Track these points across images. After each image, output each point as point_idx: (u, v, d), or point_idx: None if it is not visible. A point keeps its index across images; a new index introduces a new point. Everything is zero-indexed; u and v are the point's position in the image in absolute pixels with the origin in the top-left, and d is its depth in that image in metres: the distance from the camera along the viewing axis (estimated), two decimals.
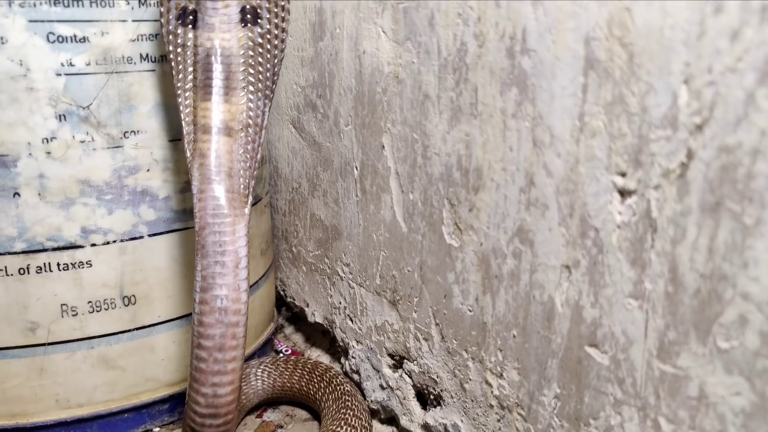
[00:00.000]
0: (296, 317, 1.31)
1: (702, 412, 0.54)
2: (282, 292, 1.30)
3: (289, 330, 1.32)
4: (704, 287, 0.52)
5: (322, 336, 1.22)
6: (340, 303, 1.07)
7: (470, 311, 0.78)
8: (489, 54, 0.70)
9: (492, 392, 0.77)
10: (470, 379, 0.80)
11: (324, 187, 1.08)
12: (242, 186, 0.85)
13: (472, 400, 0.80)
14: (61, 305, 0.91)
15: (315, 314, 1.17)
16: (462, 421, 0.82)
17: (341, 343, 1.09)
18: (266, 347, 1.19)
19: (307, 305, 1.20)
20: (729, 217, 0.50)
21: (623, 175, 0.58)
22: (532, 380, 0.71)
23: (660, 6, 0.52)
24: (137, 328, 0.96)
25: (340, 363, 1.12)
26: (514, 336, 0.72)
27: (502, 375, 0.75)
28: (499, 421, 0.76)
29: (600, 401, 0.63)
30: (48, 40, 0.84)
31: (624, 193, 0.58)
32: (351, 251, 1.02)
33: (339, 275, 1.07)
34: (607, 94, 0.58)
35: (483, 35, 0.70)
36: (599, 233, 0.60)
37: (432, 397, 0.88)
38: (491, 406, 0.77)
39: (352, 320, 1.05)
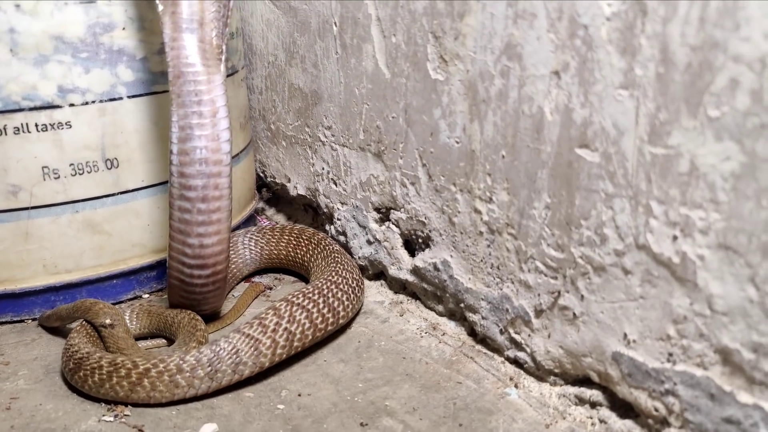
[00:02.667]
0: (277, 198, 1.31)
1: (692, 185, 0.56)
2: (262, 174, 1.30)
3: (270, 212, 1.32)
4: (695, 59, 0.53)
5: (304, 212, 1.23)
6: (323, 169, 1.08)
7: (458, 143, 0.79)
8: None
9: (481, 219, 0.78)
10: (459, 212, 0.81)
11: (302, 53, 1.07)
12: (215, 37, 0.84)
13: (462, 233, 0.82)
14: (43, 168, 0.90)
15: (297, 187, 1.17)
16: (451, 256, 0.84)
17: (325, 209, 1.10)
18: (249, 223, 1.19)
19: (289, 180, 1.20)
20: None
21: None
22: (521, 197, 0.72)
23: None
24: (121, 192, 0.95)
25: (325, 232, 1.13)
26: (503, 156, 0.73)
27: (491, 199, 0.76)
28: (489, 246, 0.78)
29: (591, 200, 0.64)
30: None
31: None
32: (332, 113, 1.02)
33: (321, 141, 1.07)
34: None
35: None
36: (588, 30, 0.61)
37: (420, 241, 0.90)
38: (480, 234, 0.79)
39: (335, 183, 1.05)
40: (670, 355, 0.60)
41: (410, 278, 0.93)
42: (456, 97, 0.78)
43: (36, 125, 0.88)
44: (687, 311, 0.58)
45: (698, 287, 0.57)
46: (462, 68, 0.76)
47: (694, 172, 0.55)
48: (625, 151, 0.60)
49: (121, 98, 0.92)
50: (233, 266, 1.03)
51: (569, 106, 0.64)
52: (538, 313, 0.73)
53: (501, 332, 0.79)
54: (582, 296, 0.68)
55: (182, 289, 0.85)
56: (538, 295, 0.73)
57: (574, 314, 0.69)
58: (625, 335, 0.64)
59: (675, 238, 0.58)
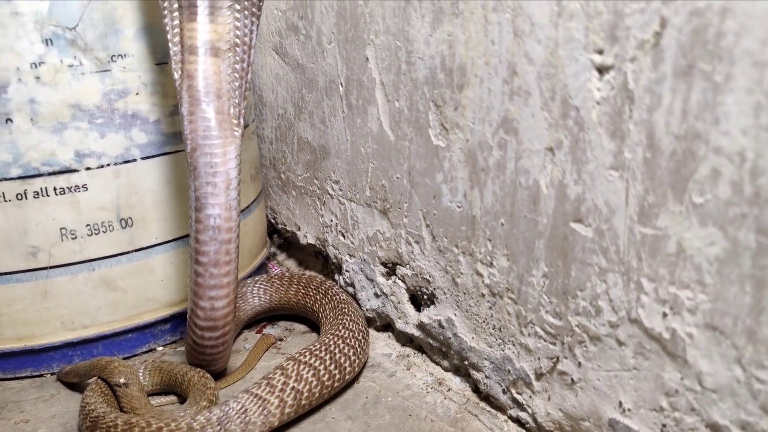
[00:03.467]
0: (288, 244, 1.34)
1: (680, 266, 0.58)
2: (273, 220, 1.33)
3: (281, 257, 1.35)
4: (679, 148, 0.56)
5: (314, 258, 1.26)
6: (332, 221, 1.11)
7: (459, 207, 0.82)
8: None
9: (483, 281, 0.80)
10: (462, 273, 0.84)
11: (310, 108, 1.10)
12: (232, 107, 0.86)
13: (464, 293, 0.84)
14: (60, 229, 0.93)
15: (307, 236, 1.20)
16: (455, 314, 0.87)
17: (334, 260, 1.13)
18: (260, 271, 1.22)
19: (299, 228, 1.23)
20: (701, 78, 0.53)
21: (601, 52, 0.61)
22: (520, 264, 0.74)
23: None
24: (136, 250, 0.98)
25: (334, 280, 1.15)
26: (502, 224, 0.76)
27: (492, 264, 0.79)
28: (491, 308, 0.80)
29: (586, 273, 0.67)
30: None
31: (602, 70, 0.61)
32: (340, 168, 1.05)
33: (329, 194, 1.09)
34: None
35: None
36: (580, 112, 0.64)
37: (425, 297, 0.92)
38: (482, 296, 0.81)
39: (344, 236, 1.08)
40: (664, 426, 0.62)
41: (416, 333, 0.95)
42: (457, 163, 0.80)
43: (54, 189, 0.92)
44: (678, 385, 0.60)
45: (688, 363, 0.59)
46: (462, 137, 0.79)
47: (682, 254, 0.57)
48: (617, 229, 0.62)
49: (135, 160, 0.96)
50: (241, 313, 1.06)
51: (563, 182, 0.67)
52: (539, 376, 0.75)
53: (504, 392, 0.81)
54: (579, 363, 0.70)
55: (194, 349, 0.88)
56: (538, 358, 0.75)
57: (572, 380, 0.71)
58: (621, 403, 0.66)
59: (665, 315, 0.60)
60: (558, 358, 0.72)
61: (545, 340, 0.73)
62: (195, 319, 0.86)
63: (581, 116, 0.64)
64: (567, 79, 0.64)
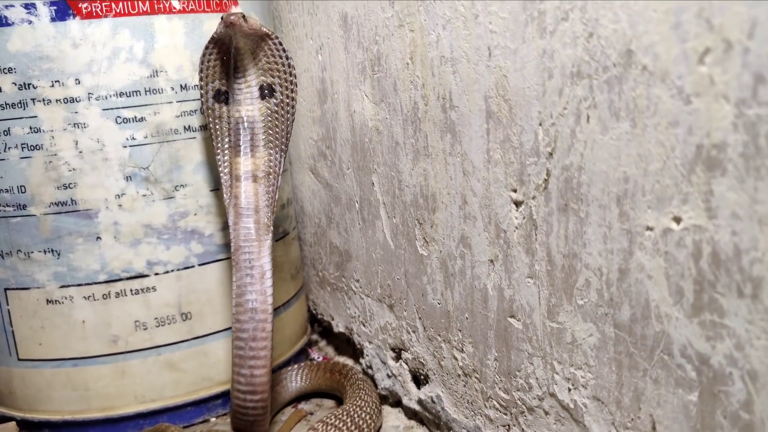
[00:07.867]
0: (327, 331, 1.56)
1: (575, 352, 0.76)
2: (314, 311, 1.55)
3: (322, 343, 1.57)
4: (566, 264, 0.75)
5: (347, 344, 1.47)
6: (355, 313, 1.32)
7: (439, 304, 1.02)
8: (431, 110, 0.95)
9: (458, 364, 1.00)
10: (444, 357, 1.03)
11: (337, 219, 1.34)
12: (266, 218, 1.11)
13: (447, 373, 1.03)
14: (135, 321, 1.18)
15: (338, 325, 1.42)
16: (442, 391, 1.06)
17: (358, 346, 1.34)
18: (301, 356, 1.44)
19: (332, 318, 1.45)
20: (573, 213, 0.73)
21: (515, 191, 0.82)
22: (480, 349, 0.94)
23: (521, 73, 0.77)
24: (194, 338, 1.22)
25: (359, 363, 1.36)
26: (467, 318, 0.96)
27: (462, 349, 0.98)
28: (464, 385, 0.99)
29: (520, 357, 0.86)
30: (116, 122, 1.13)
31: (517, 204, 0.82)
32: (359, 269, 1.27)
33: (353, 290, 1.32)
34: (500, 134, 0.82)
35: (427, 96, 0.96)
36: (507, 234, 0.84)
37: (422, 377, 1.12)
38: (459, 375, 1.00)
39: (364, 325, 1.29)
40: None
41: (417, 407, 1.14)
42: (435, 269, 1.01)
43: (131, 290, 1.17)
44: None
45: (586, 427, 0.76)
46: (437, 249, 1.00)
47: (575, 343, 0.76)
48: (536, 323, 0.82)
49: (193, 266, 1.21)
50: (281, 396, 1.28)
51: (501, 286, 0.87)
52: None
53: None
54: (523, 429, 0.88)
55: (238, 412, 1.10)
56: (497, 426, 0.93)
57: None
58: None
59: (569, 389, 0.78)
60: (510, 426, 0.90)
61: (500, 411, 0.92)
62: (237, 385, 1.08)
63: (508, 237, 0.84)
64: (497, 209, 0.85)
